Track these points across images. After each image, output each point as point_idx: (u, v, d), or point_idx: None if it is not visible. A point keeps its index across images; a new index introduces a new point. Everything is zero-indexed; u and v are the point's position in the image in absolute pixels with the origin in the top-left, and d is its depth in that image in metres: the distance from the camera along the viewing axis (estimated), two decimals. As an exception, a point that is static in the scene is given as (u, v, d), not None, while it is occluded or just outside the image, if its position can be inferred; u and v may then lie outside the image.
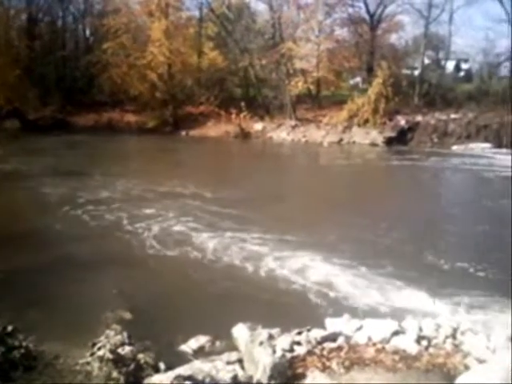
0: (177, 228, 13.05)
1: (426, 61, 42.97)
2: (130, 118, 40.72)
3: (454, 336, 6.05)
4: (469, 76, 48.81)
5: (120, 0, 43.73)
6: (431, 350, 5.77)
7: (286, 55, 38.74)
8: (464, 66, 51.25)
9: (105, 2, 47.22)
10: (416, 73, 41.87)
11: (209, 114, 40.13)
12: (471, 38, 67.80)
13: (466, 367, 5.31)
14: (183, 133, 38.42)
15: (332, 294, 8.87)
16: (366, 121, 35.32)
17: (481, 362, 5.36)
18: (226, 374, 5.09)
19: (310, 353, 5.56)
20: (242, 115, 37.58)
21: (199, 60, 42.14)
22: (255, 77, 41.97)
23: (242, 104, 37.80)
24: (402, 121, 35.15)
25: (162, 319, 7.58)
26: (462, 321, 6.85)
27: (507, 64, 40.53)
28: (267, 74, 41.98)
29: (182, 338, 6.71)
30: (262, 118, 38.58)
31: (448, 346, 5.86)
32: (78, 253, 10.86)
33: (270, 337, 5.75)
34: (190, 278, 9.70)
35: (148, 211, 14.56)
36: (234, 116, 37.42)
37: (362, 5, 40.79)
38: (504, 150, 30.63)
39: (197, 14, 45.64)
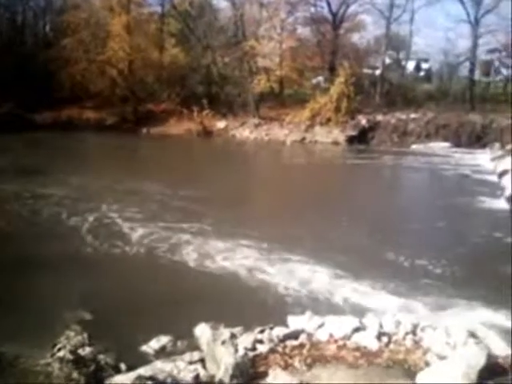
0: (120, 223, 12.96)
1: (387, 60, 43.52)
2: (90, 114, 39.67)
3: (414, 332, 6.12)
4: (429, 76, 49.74)
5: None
6: (392, 346, 5.81)
7: (249, 53, 38.59)
8: (424, 65, 52.11)
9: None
10: (377, 72, 42.32)
11: (170, 111, 39.55)
12: (432, 38, 68.82)
13: (427, 363, 5.34)
14: (144, 130, 37.75)
15: (289, 291, 8.86)
16: (329, 120, 35.48)
17: (441, 358, 5.39)
18: (187, 374, 5.10)
19: (272, 351, 5.56)
20: (204, 113, 37.25)
21: (161, 56, 41.50)
22: (218, 74, 41.65)
23: (205, 102, 37.43)
24: (363, 120, 35.44)
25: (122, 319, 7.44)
26: (422, 317, 6.97)
27: (467, 64, 41.28)
28: (230, 71, 41.73)
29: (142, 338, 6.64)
30: (224, 116, 38.29)
31: (408, 342, 5.90)
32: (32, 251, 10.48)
33: (233, 336, 5.75)
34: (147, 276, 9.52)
35: (104, 207, 14.37)
36: (195, 114, 37.01)
37: (324, 4, 41.01)
38: (462, 149, 31.25)
39: (159, 9, 45.01)
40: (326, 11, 41.06)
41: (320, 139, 34.76)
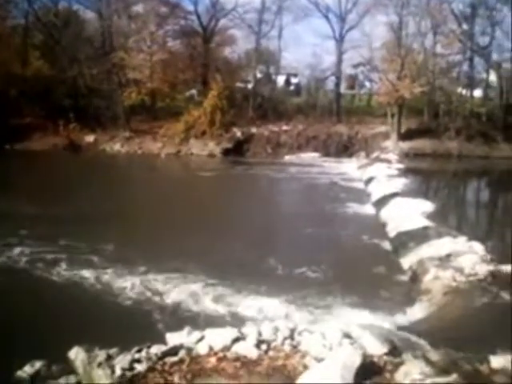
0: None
1: (259, 75, 44.43)
2: None
3: (291, 337, 6.16)
4: (298, 90, 51.50)
5: None
6: (271, 353, 5.82)
7: (118, 65, 37.46)
8: (293, 80, 53.94)
9: None
10: (249, 86, 42.96)
11: (35, 125, 37.00)
12: (299, 53, 71.93)
13: (305, 367, 5.41)
14: (7, 146, 34.90)
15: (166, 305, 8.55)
16: (203, 132, 35.45)
17: (319, 360, 5.46)
18: None
19: (150, 369, 5.45)
20: (70, 127, 35.51)
21: (24, 70, 38.95)
22: (85, 86, 39.86)
23: (71, 115, 35.62)
24: (238, 132, 35.81)
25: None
26: (299, 321, 7.08)
27: (333, 78, 43.21)
28: (98, 83, 40.07)
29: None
30: (93, 130, 36.71)
31: (287, 347, 5.94)
32: None
33: (109, 357, 5.59)
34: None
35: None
36: (61, 128, 35.16)
37: (194, 17, 41.00)
38: (331, 159, 32.54)
39: (23, 22, 42.42)
40: (196, 24, 41.17)
41: (196, 152, 34.64)
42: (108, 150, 35.50)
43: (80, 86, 40.10)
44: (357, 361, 5.22)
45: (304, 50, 78.27)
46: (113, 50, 38.22)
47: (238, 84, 42.98)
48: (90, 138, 36.25)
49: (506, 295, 7.78)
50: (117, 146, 35.66)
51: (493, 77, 39.46)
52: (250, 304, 8.62)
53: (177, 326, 6.78)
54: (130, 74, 37.50)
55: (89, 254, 11.23)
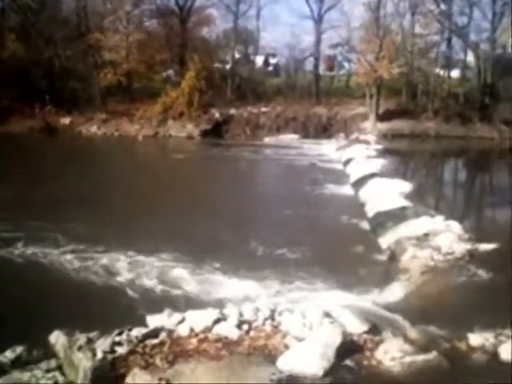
0: None
1: (237, 55, 43.99)
2: None
3: (272, 317, 6.19)
4: (277, 70, 51.18)
5: None
6: (252, 333, 5.87)
7: (94, 46, 36.84)
8: (272, 60, 53.63)
9: None
10: (228, 67, 42.57)
11: (12, 108, 36.23)
12: (278, 33, 71.40)
13: (286, 346, 5.47)
14: (-18, 130, 34.19)
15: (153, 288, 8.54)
16: (181, 114, 35.12)
17: (299, 339, 5.54)
18: (46, 382, 5.11)
19: (132, 352, 5.45)
20: (46, 109, 34.84)
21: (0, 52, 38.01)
22: (61, 68, 39.12)
23: (47, 97, 34.98)
24: (216, 114, 35.51)
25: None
26: (280, 302, 7.10)
27: (312, 59, 43.02)
28: (73, 65, 39.35)
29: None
30: (69, 112, 36.11)
31: (267, 327, 6.00)
32: None
33: (89, 340, 5.60)
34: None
35: None
36: (37, 110, 34.53)
37: (170, -3, 40.22)
38: (310, 140, 32.53)
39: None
40: (172, 4, 40.49)
41: (174, 133, 34.35)
42: (84, 132, 34.96)
43: (56, 67, 39.36)
44: (337, 339, 5.29)
45: (282, 29, 77.99)
46: (88, 31, 37.62)
47: (216, 64, 42.42)
48: (66, 121, 35.65)
49: (483, 273, 7.86)
50: (93, 129, 35.15)
51: (470, 57, 39.69)
52: (229, 285, 8.60)
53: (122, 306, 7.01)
54: (105, 54, 36.91)
55: (55, 233, 11.09)
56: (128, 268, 9.31)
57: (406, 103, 36.49)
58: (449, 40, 38.22)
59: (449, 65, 39.17)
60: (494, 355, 5.35)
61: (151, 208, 14.24)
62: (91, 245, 10.35)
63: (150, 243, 10.47)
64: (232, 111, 36.02)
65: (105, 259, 9.70)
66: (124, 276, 9.00)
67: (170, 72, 42.39)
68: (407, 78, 36.70)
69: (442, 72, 39.04)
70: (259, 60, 48.75)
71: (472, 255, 8.74)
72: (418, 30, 37.40)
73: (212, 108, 35.81)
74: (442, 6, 37.27)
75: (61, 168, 21.02)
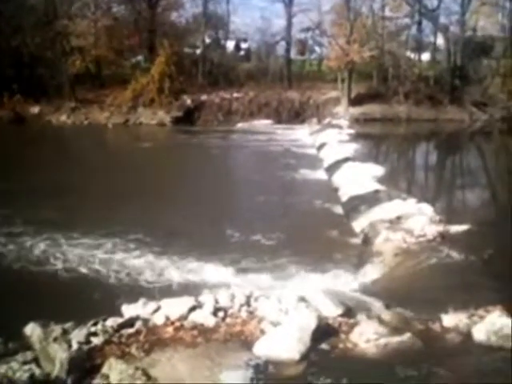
0: None
1: (207, 40, 43.61)
2: None
3: (248, 303, 6.21)
4: (248, 55, 50.86)
5: None
6: (228, 320, 5.89)
7: (62, 33, 36.16)
8: (243, 45, 53.25)
9: None
10: (198, 52, 42.18)
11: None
12: (249, 17, 70.90)
13: (262, 332, 5.51)
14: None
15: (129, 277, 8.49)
16: (152, 100, 34.70)
17: (275, 324, 5.57)
18: (23, 374, 5.04)
19: (107, 342, 5.46)
20: (15, 98, 34.01)
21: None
22: (29, 56, 38.19)
23: (15, 86, 34.09)
24: (188, 100, 35.23)
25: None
26: (255, 287, 7.08)
27: (283, 43, 42.81)
28: (42, 52, 38.46)
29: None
30: (38, 101, 35.30)
31: (243, 313, 6.02)
32: None
33: (64, 332, 5.57)
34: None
35: None
36: (6, 100, 33.66)
37: (139, -18, 39.54)
38: (283, 125, 32.53)
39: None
40: (141, -11, 39.71)
41: (144, 121, 33.94)
42: (54, 121, 34.23)
43: (24, 55, 38.43)
44: (312, 323, 5.32)
45: (253, 13, 77.33)
46: (56, 18, 36.81)
47: (187, 50, 42.05)
48: (35, 110, 34.88)
49: (455, 254, 7.98)
50: (63, 117, 34.44)
51: (440, 40, 40.05)
52: (205, 271, 8.60)
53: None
54: (73, 41, 36.26)
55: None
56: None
57: (378, 87, 36.69)
58: (419, 23, 38.52)
59: (419, 48, 39.52)
60: (468, 336, 5.43)
61: (118, 197, 14.03)
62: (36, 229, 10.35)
63: (107, 229, 10.42)
64: (204, 97, 35.74)
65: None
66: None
67: (140, 58, 41.84)
68: (378, 61, 36.84)
69: (412, 55, 39.36)
70: (230, 45, 48.42)
71: (444, 237, 8.86)
72: (388, 12, 37.70)
73: (183, 94, 35.47)
74: (412, -11, 37.44)
75: (25, 158, 20.58)
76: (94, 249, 9.61)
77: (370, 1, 35.98)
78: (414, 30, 39.02)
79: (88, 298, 7.50)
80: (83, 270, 8.75)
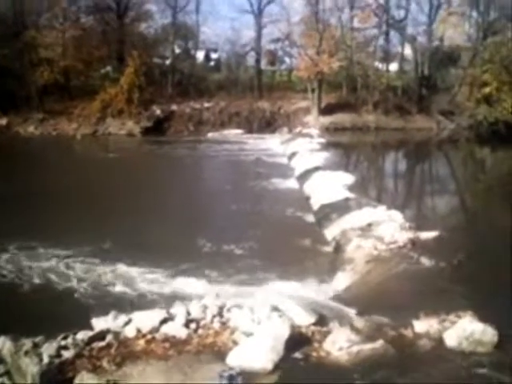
0: None
1: (177, 50, 43.47)
2: None
3: (220, 314, 6.18)
4: (218, 65, 50.82)
5: None
6: (200, 331, 5.86)
7: (30, 44, 35.67)
8: (213, 55, 53.23)
9: None
10: (167, 62, 42.02)
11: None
12: (219, 28, 70.95)
13: (235, 342, 5.50)
14: None
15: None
16: (121, 111, 34.45)
17: (248, 335, 5.52)
18: None
19: (78, 355, 5.41)
20: (-18, 110, 33.31)
21: None
22: (-4, 67, 37.47)
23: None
24: (157, 110, 35.07)
25: None
26: (228, 298, 6.93)
27: (253, 54, 42.95)
28: (10, 63, 37.79)
29: None
30: (5, 112, 34.65)
31: (216, 324, 6.00)
32: None
33: (35, 345, 5.52)
34: None
35: None
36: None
37: (108, -8, 39.30)
38: (254, 135, 32.59)
39: None
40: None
41: (114, 131, 33.72)
42: (22, 132, 33.76)
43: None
44: (285, 333, 5.33)
45: (223, 24, 77.41)
46: (25, 29, 36.33)
47: (156, 60, 41.82)
48: (3, 121, 34.44)
49: (425, 260, 8.06)
50: (30, 129, 34.00)
51: (408, 50, 40.64)
52: (176, 283, 8.51)
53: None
54: (42, 52, 35.74)
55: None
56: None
57: (347, 97, 37.10)
58: (386, 33, 39.03)
59: (387, 58, 40.02)
60: (440, 341, 5.48)
61: (83, 208, 13.87)
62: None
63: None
64: (173, 107, 35.65)
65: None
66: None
67: (109, 68, 41.48)
68: (347, 71, 37.26)
69: (380, 65, 39.85)
70: (200, 55, 48.28)
71: (414, 243, 8.95)
72: (356, 24, 38.10)
73: (153, 104, 35.29)
74: (380, 0, 38.01)
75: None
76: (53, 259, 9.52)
77: (338, 12, 36.42)
78: (381, 40, 39.53)
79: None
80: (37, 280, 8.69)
